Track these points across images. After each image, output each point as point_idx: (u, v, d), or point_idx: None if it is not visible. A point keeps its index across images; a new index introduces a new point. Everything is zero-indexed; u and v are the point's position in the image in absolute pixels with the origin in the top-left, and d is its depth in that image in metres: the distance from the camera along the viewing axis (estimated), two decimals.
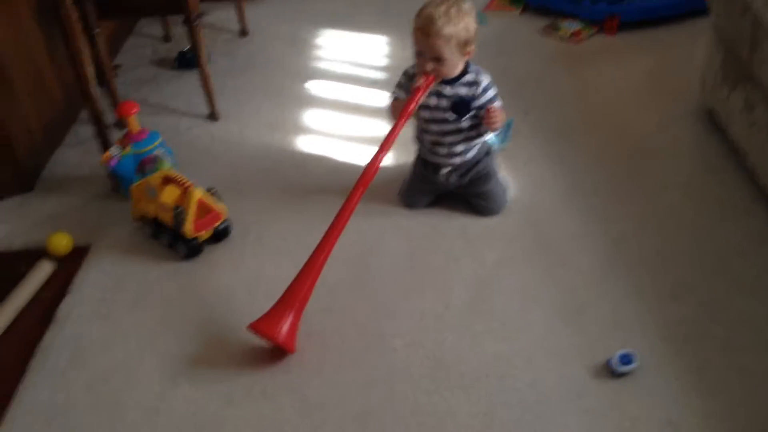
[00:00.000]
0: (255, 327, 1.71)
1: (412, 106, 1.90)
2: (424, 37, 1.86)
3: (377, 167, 1.86)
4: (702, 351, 1.67)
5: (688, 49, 2.82)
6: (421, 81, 1.90)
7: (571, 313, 1.80)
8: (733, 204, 2.07)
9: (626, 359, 1.63)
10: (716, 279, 1.85)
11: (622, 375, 1.62)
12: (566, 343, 1.72)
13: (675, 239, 1.98)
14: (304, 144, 2.54)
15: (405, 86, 2.03)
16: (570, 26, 3.04)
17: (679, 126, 2.42)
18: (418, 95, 1.90)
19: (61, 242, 2.14)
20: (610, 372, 1.63)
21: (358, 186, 1.82)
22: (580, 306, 1.82)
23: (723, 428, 1.51)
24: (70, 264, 2.11)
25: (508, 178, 2.20)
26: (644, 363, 1.64)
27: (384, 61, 3.02)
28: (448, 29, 1.84)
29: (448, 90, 1.99)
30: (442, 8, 1.85)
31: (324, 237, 1.78)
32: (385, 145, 1.87)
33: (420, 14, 1.88)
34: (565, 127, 2.48)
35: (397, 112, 1.96)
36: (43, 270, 2.06)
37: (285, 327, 1.70)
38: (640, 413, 1.55)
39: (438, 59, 1.89)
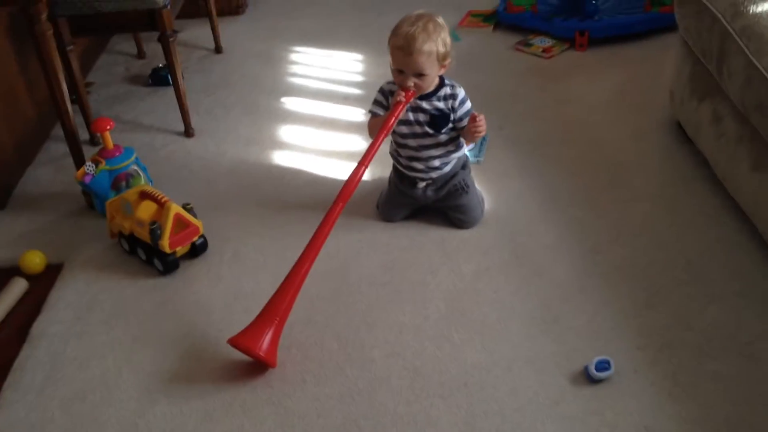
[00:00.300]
0: (235, 342, 1.71)
1: (393, 121, 1.93)
2: (406, 55, 1.89)
3: (358, 181, 1.88)
4: (676, 357, 1.70)
5: (656, 64, 2.88)
6: (401, 95, 1.92)
7: (548, 322, 1.82)
8: (704, 213, 2.12)
9: (603, 366, 1.65)
10: (689, 287, 1.88)
11: (599, 381, 1.65)
12: (544, 352, 1.74)
13: (648, 248, 2.01)
14: (281, 159, 2.54)
15: (382, 103, 2.06)
16: (541, 42, 3.09)
17: (650, 138, 2.47)
18: (399, 109, 1.93)
19: (34, 260, 2.12)
20: (587, 378, 1.65)
21: (339, 200, 1.84)
22: (557, 315, 1.84)
23: None
24: (43, 282, 2.10)
25: (483, 191, 2.22)
26: (620, 370, 1.67)
27: (358, 78, 3.04)
28: (428, 45, 1.88)
29: (425, 104, 2.01)
30: (420, 25, 1.89)
31: (304, 251, 1.79)
32: (365, 159, 1.89)
33: (397, 33, 1.91)
34: (539, 140, 2.52)
35: (376, 128, 1.98)
36: (17, 287, 2.04)
37: (266, 342, 1.69)
38: (617, 419, 1.57)
39: (419, 75, 1.92)
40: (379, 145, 1.92)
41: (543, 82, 2.87)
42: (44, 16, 2.13)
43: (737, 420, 1.55)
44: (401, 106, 1.93)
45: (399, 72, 1.94)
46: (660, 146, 2.43)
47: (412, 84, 1.93)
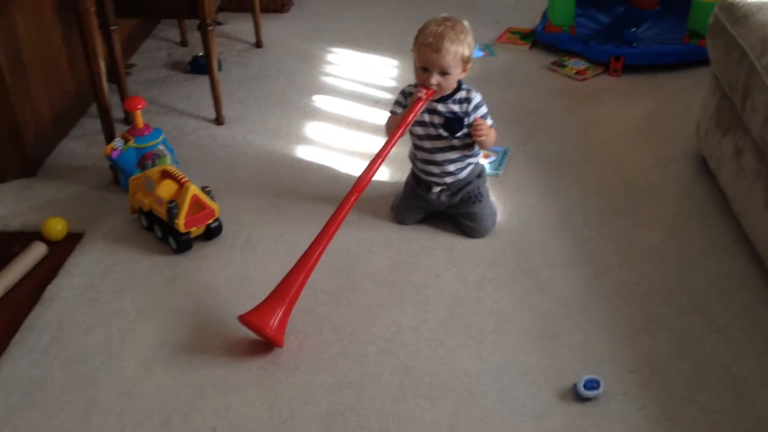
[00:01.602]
0: (246, 318, 1.76)
1: (412, 117, 1.98)
2: (434, 52, 1.94)
3: (374, 173, 1.93)
4: (668, 385, 1.70)
5: (688, 96, 2.86)
6: (422, 92, 1.97)
7: (544, 337, 1.83)
8: (716, 247, 2.11)
9: (592, 384, 1.66)
10: (690, 317, 1.88)
11: (587, 400, 1.65)
12: (536, 365, 1.75)
13: (655, 276, 2.01)
14: (305, 154, 2.59)
15: (402, 103, 2.11)
16: (576, 64, 3.10)
17: (672, 168, 2.47)
18: (418, 106, 1.98)
19: (56, 227, 2.20)
20: (575, 396, 1.66)
21: (353, 190, 1.90)
22: (554, 332, 1.85)
23: None
24: (62, 248, 2.17)
25: (497, 203, 2.24)
26: (611, 391, 1.67)
27: (391, 83, 3.08)
28: (456, 45, 1.94)
29: (441, 107, 2.05)
30: (448, 24, 1.95)
31: (317, 237, 1.84)
32: (382, 152, 1.95)
33: (425, 32, 1.96)
34: (560, 160, 2.53)
35: (393, 124, 2.04)
36: (36, 250, 2.11)
37: (276, 320, 1.75)
38: None
39: (443, 73, 1.97)
40: (397, 140, 1.98)
41: (572, 103, 2.88)
42: None
43: None
44: (421, 103, 1.97)
45: (423, 70, 1.99)
46: (681, 177, 2.43)
47: (436, 82, 1.97)
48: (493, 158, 2.47)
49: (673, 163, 2.50)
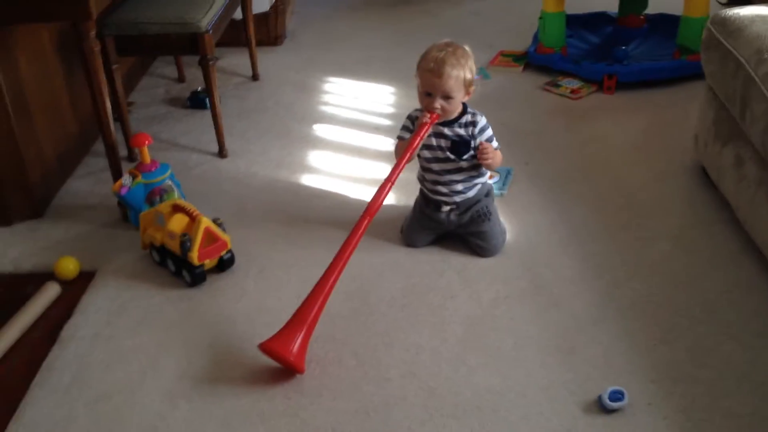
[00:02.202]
0: (266, 346, 1.77)
1: (418, 141, 2.01)
2: (436, 77, 1.98)
3: (384, 197, 1.97)
4: (689, 393, 1.72)
5: (682, 110, 2.93)
6: (427, 117, 2.01)
7: (563, 351, 1.85)
8: (723, 255, 2.14)
9: (616, 396, 1.67)
10: (704, 325, 1.90)
11: (612, 411, 1.67)
12: (558, 380, 1.77)
13: (666, 286, 2.04)
14: (309, 182, 2.62)
15: (409, 128, 2.14)
16: (570, 84, 3.16)
17: (673, 181, 2.51)
18: (424, 130, 2.01)
19: (68, 266, 2.20)
20: (600, 408, 1.68)
21: (365, 215, 1.93)
22: (572, 346, 1.87)
23: None
24: (76, 287, 2.17)
25: (505, 223, 2.27)
26: (634, 402, 1.69)
27: (389, 109, 3.12)
28: (457, 70, 1.98)
29: (447, 131, 2.09)
30: (449, 50, 2.00)
31: (332, 262, 1.86)
32: (391, 176, 1.98)
33: (427, 57, 2.00)
34: (563, 177, 2.57)
35: (401, 149, 2.07)
36: (50, 291, 2.11)
37: (296, 346, 1.76)
38: None
39: (447, 98, 2.01)
40: (405, 164, 2.02)
41: (569, 121, 2.93)
42: (93, 33, 2.24)
43: None
44: (426, 127, 2.02)
45: (427, 95, 2.02)
46: (682, 189, 2.47)
47: (439, 106, 2.01)
48: (496, 178, 2.50)
49: (673, 176, 2.54)
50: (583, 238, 2.26)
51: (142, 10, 2.61)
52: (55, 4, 2.11)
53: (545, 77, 3.26)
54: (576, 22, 3.50)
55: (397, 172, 1.99)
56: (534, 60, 3.34)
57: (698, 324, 1.91)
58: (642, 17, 3.52)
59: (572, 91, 3.11)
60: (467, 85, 2.03)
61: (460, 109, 2.09)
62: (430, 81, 2.00)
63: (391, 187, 1.98)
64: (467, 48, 2.05)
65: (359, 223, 1.92)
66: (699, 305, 1.97)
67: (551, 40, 3.28)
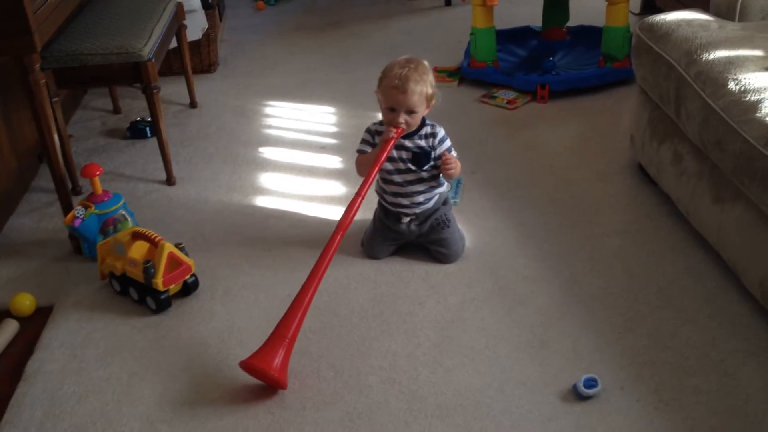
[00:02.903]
0: (248, 363, 1.76)
1: (384, 155, 2.06)
2: (401, 94, 2.03)
3: (356, 211, 2.00)
4: (657, 375, 1.80)
5: (613, 113, 3.08)
6: (392, 132, 2.06)
7: (534, 346, 1.91)
8: (670, 246, 2.26)
9: (590, 383, 1.74)
10: (662, 311, 2.00)
11: (588, 398, 1.74)
12: (533, 373, 1.83)
13: (621, 278, 2.14)
14: (264, 203, 2.62)
15: (369, 141, 2.19)
16: (505, 95, 3.27)
17: (614, 180, 2.63)
18: (390, 144, 2.06)
19: (24, 302, 2.14)
20: (576, 396, 1.74)
21: (338, 230, 1.96)
22: (542, 341, 1.93)
23: None
24: (34, 323, 2.12)
25: (463, 229, 2.33)
26: (607, 387, 1.76)
27: (332, 129, 3.16)
28: (420, 86, 2.04)
29: (408, 143, 2.15)
30: (411, 66, 2.05)
31: (309, 276, 1.88)
32: (361, 190, 2.02)
33: (390, 75, 2.06)
34: (510, 183, 2.65)
35: (365, 163, 2.12)
36: (9, 328, 2.05)
37: (278, 361, 1.76)
38: None
39: (410, 112, 2.06)
40: (374, 177, 2.06)
41: (509, 130, 3.03)
42: (38, 66, 2.21)
43: (720, 429, 1.65)
44: (392, 141, 2.06)
45: (391, 110, 2.07)
46: (624, 187, 2.59)
47: (403, 121, 2.06)
48: (447, 188, 2.56)
49: (613, 176, 2.66)
50: (537, 239, 2.34)
51: (81, 41, 2.57)
52: None
53: (480, 90, 3.37)
54: (503, 37, 3.63)
55: (366, 186, 2.03)
56: (468, 74, 3.45)
57: (656, 310, 2.00)
58: (564, 30, 3.68)
59: (508, 102, 3.22)
60: (428, 99, 2.09)
61: (419, 122, 2.15)
62: (394, 97, 2.05)
63: (361, 201, 2.01)
64: (426, 63, 2.12)
65: (332, 238, 1.94)
66: (654, 293, 2.07)
67: (483, 55, 3.39)
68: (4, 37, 2.08)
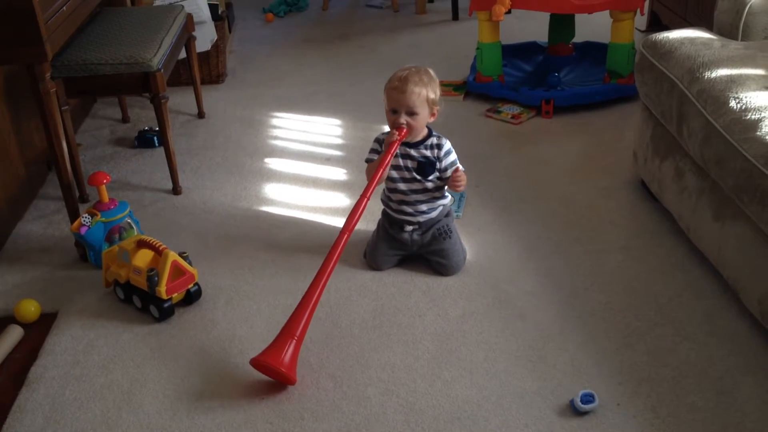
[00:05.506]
0: (258, 360, 1.81)
1: (389, 157, 2.11)
2: (399, 93, 2.10)
3: (361, 213, 2.05)
4: (654, 392, 1.81)
5: (618, 130, 3.09)
6: (395, 135, 2.11)
7: (533, 361, 1.92)
8: (671, 262, 2.27)
9: (588, 398, 1.75)
10: (661, 328, 2.01)
11: (585, 414, 1.74)
12: (531, 388, 1.84)
13: (621, 294, 2.15)
14: (268, 214, 2.65)
15: (377, 150, 2.24)
16: (510, 110, 3.29)
17: (616, 196, 2.64)
18: (395, 147, 2.12)
19: (29, 308, 2.17)
20: (573, 411, 1.75)
21: (344, 231, 2.01)
22: (541, 355, 1.94)
23: None
24: (38, 330, 2.14)
25: (464, 243, 2.35)
26: (604, 403, 1.77)
27: (338, 141, 3.19)
28: (420, 87, 2.10)
29: (413, 152, 2.19)
30: (412, 70, 2.14)
31: (315, 277, 1.92)
32: (366, 192, 2.07)
33: (392, 78, 2.14)
34: (513, 198, 2.67)
35: (372, 169, 2.17)
36: (13, 334, 2.08)
37: (287, 357, 1.81)
38: None
39: (411, 113, 2.11)
40: (379, 180, 2.11)
41: (513, 145, 3.05)
42: (48, 75, 2.24)
43: None
44: (396, 144, 2.12)
45: (393, 112, 2.13)
46: (626, 203, 2.60)
47: (404, 122, 2.11)
48: (450, 201, 2.58)
49: (616, 192, 2.67)
50: (539, 253, 2.35)
51: (91, 51, 2.61)
52: (10, 46, 2.11)
53: (486, 104, 3.39)
54: (509, 52, 3.66)
55: (372, 187, 2.08)
56: (473, 88, 3.47)
57: (655, 327, 2.01)
58: (570, 46, 3.70)
59: (513, 117, 3.24)
60: (431, 104, 2.14)
61: (425, 131, 2.19)
62: (394, 97, 2.12)
63: (366, 202, 2.06)
64: (431, 71, 2.18)
65: (339, 238, 1.99)
66: (654, 310, 2.08)
67: (489, 69, 3.42)
68: (16, 45, 2.12)
